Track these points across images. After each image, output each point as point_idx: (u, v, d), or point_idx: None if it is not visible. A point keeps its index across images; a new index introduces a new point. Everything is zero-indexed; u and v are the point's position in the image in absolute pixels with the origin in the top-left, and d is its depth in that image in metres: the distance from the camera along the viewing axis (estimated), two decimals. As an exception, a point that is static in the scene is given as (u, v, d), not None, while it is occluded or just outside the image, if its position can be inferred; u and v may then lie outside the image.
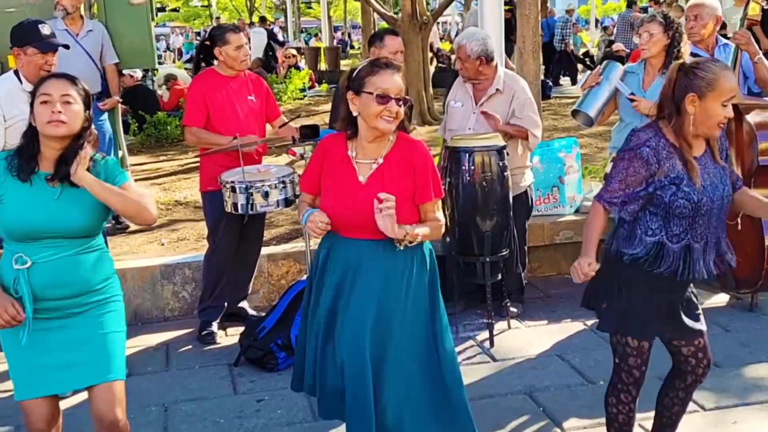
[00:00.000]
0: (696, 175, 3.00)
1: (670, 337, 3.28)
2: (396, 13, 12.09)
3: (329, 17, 28.87)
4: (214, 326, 5.21)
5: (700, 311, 3.31)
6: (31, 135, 3.06)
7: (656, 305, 3.16)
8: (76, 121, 3.00)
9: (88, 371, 3.10)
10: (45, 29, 4.27)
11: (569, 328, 5.14)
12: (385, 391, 3.16)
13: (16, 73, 4.32)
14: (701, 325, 3.29)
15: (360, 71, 3.14)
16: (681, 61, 3.20)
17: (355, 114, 3.12)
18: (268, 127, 5.35)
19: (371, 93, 3.03)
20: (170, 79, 13.64)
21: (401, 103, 3.07)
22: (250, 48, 5.21)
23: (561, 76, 18.98)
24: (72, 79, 3.10)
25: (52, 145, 3.02)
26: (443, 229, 3.32)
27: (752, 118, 5.14)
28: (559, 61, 18.73)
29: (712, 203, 3.04)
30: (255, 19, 29.11)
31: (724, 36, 5.70)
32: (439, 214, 3.26)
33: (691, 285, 3.26)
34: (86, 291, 3.09)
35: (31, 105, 3.04)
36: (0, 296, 2.98)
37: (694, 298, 3.30)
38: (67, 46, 4.42)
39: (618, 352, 3.27)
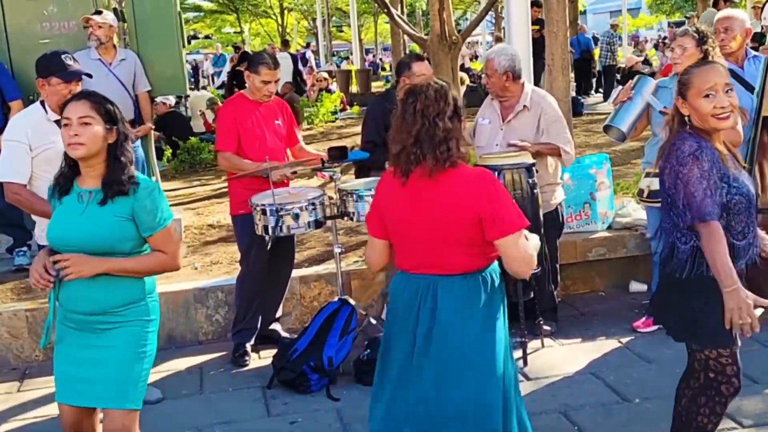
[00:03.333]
0: (732, 165, 3.08)
1: None
2: (426, 35, 12.12)
3: (360, 40, 29.02)
4: (248, 348, 5.23)
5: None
6: (67, 158, 3.15)
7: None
8: (95, 142, 3.04)
9: (100, 392, 3.17)
10: (68, 59, 4.31)
11: (604, 346, 5.10)
12: None
13: (42, 103, 4.39)
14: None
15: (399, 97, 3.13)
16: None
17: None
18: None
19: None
20: (214, 102, 13.82)
21: None
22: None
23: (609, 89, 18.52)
24: (93, 98, 3.14)
25: (82, 165, 3.11)
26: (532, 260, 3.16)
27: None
28: (606, 76, 18.58)
29: (752, 195, 3.13)
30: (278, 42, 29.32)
31: (755, 48, 5.65)
32: (521, 244, 3.07)
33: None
34: (103, 311, 3.15)
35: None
36: (39, 257, 3.18)
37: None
38: (90, 75, 4.45)
39: (712, 367, 3.25)
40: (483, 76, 5.36)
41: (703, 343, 3.24)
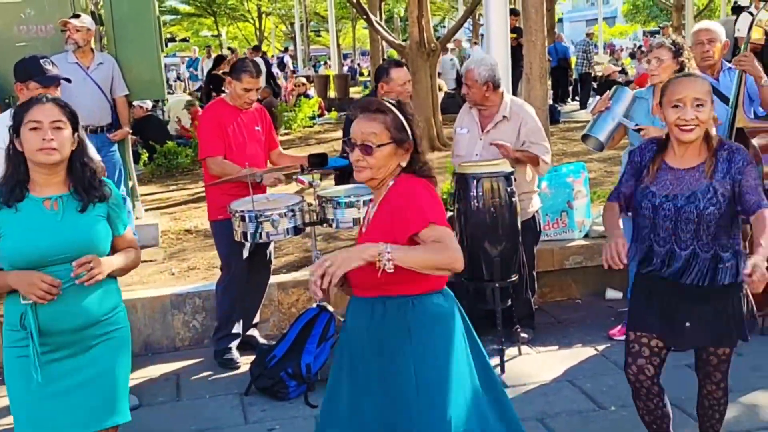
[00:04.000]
0: (651, 175, 3.24)
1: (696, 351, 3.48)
2: (404, 41, 12.17)
3: (338, 45, 29.05)
4: (234, 351, 5.23)
5: (723, 328, 3.36)
6: (18, 161, 2.97)
7: (653, 303, 3.33)
8: (66, 147, 2.94)
9: (97, 416, 3.05)
10: (47, 64, 4.31)
11: (580, 353, 5.13)
12: None
13: None
14: (717, 339, 3.39)
15: (347, 120, 3.04)
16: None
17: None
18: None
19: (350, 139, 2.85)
20: (191, 105, 13.77)
21: (366, 150, 2.76)
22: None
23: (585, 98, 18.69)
24: (58, 102, 3.05)
25: (42, 171, 2.96)
26: (451, 262, 2.75)
27: (758, 141, 5.15)
28: (583, 84, 18.78)
29: (679, 212, 3.17)
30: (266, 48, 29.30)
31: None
32: (437, 235, 2.73)
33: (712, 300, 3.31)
34: (95, 321, 3.02)
35: (15, 130, 2.96)
36: (26, 274, 2.87)
37: (717, 314, 3.32)
38: (68, 80, 4.45)
39: (631, 347, 3.40)
40: (463, 86, 5.35)
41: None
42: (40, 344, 2.90)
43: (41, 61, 4.33)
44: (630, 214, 3.42)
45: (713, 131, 3.40)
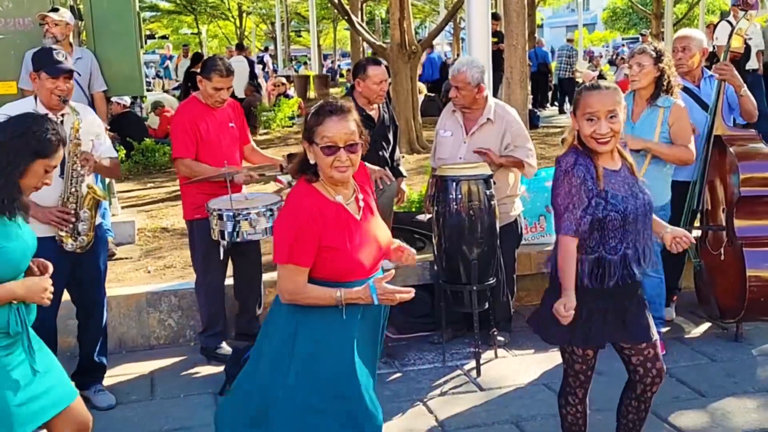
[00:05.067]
0: (602, 181, 3.22)
1: (617, 344, 3.44)
2: (385, 42, 12.18)
3: (319, 45, 29.05)
4: (225, 345, 5.26)
5: (649, 321, 3.42)
6: None
7: (597, 315, 3.32)
8: None
9: (60, 395, 3.16)
10: (59, 56, 4.32)
11: (556, 357, 5.10)
12: None
13: (35, 97, 4.39)
14: (650, 335, 3.40)
15: (308, 120, 3.02)
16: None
17: (312, 162, 3.01)
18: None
19: (319, 144, 2.92)
20: (158, 106, 13.68)
21: (353, 149, 2.94)
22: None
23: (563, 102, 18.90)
24: None
25: None
26: None
27: (735, 149, 5.20)
28: (564, 89, 18.84)
29: (636, 210, 3.24)
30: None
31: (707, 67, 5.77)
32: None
33: (639, 294, 3.43)
34: (33, 315, 3.12)
35: None
36: (33, 281, 2.99)
37: (644, 309, 3.44)
38: (73, 72, 4.44)
39: (566, 360, 3.48)
40: (450, 88, 5.32)
41: (553, 341, 3.58)
42: (6, 333, 2.95)
43: (54, 52, 4.34)
44: None
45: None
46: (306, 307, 2.99)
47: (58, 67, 4.27)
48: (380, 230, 3.17)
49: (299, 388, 2.98)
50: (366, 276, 3.01)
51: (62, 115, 4.28)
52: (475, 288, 4.90)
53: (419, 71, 14.26)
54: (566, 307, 3.16)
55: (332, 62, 39.77)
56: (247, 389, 3.17)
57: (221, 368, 5.00)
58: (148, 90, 17.76)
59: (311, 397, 2.99)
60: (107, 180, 7.34)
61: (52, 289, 2.99)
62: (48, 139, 2.98)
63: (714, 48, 10.18)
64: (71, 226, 4.20)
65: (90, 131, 4.44)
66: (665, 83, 4.91)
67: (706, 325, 5.60)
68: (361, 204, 3.10)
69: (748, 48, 9.59)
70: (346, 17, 12.62)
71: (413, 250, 3.20)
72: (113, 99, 9.29)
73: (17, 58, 6.86)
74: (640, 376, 3.43)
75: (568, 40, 22.40)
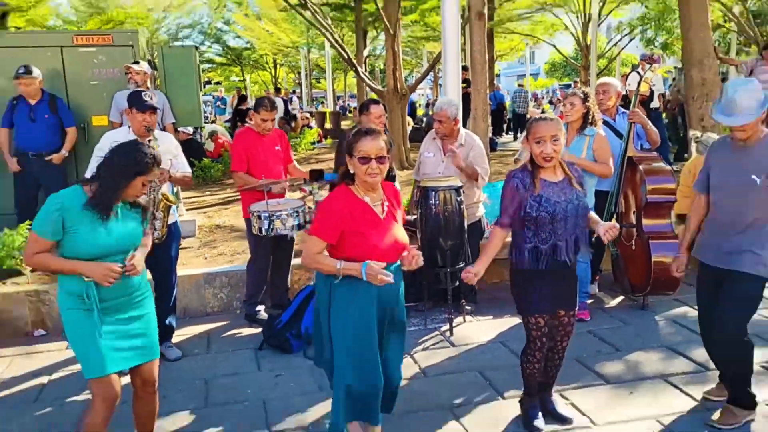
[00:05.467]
0: (537, 188, 3.24)
1: (552, 311, 3.46)
2: (383, 87, 12.16)
3: (333, 89, 28.92)
4: (262, 311, 5.25)
5: (576, 297, 3.51)
6: None
7: (545, 290, 3.35)
8: None
9: (142, 354, 3.14)
10: (146, 96, 4.34)
11: (510, 322, 5.14)
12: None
13: (129, 126, 4.43)
14: (574, 305, 3.49)
15: (350, 139, 3.05)
16: None
17: (351, 171, 3.06)
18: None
19: (357, 156, 2.97)
20: (213, 134, 13.65)
21: (380, 161, 2.97)
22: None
23: (517, 132, 18.77)
24: None
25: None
26: None
27: (643, 166, 5.21)
28: (518, 121, 18.79)
29: (566, 212, 3.24)
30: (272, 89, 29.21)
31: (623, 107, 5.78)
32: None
33: (572, 276, 3.45)
34: (134, 290, 3.11)
35: None
36: (99, 265, 2.93)
37: (572, 284, 3.47)
38: (157, 108, 4.44)
39: (526, 328, 3.47)
40: (434, 121, 5.32)
41: (519, 311, 3.54)
42: (98, 305, 2.98)
43: (143, 94, 4.35)
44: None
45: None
46: (336, 279, 3.04)
47: (145, 105, 4.29)
48: (399, 232, 3.15)
49: (333, 333, 3.10)
50: (384, 262, 3.00)
51: (148, 141, 4.28)
52: (448, 270, 4.91)
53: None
54: (475, 271, 3.31)
55: (343, 102, 39.68)
56: (316, 333, 3.30)
57: (259, 330, 5.01)
58: (205, 122, 17.75)
59: (339, 341, 3.08)
60: (176, 189, 7.35)
61: (115, 275, 2.92)
62: (146, 162, 2.98)
63: (626, 91, 10.23)
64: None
65: (168, 152, 4.43)
66: (590, 117, 4.93)
67: (620, 298, 5.62)
68: (386, 209, 3.12)
69: (652, 91, 9.65)
70: (353, 68, 12.60)
71: (420, 255, 3.15)
72: (180, 129, 9.29)
73: (108, 99, 6.88)
74: (555, 333, 3.51)
75: (519, 85, 22.39)
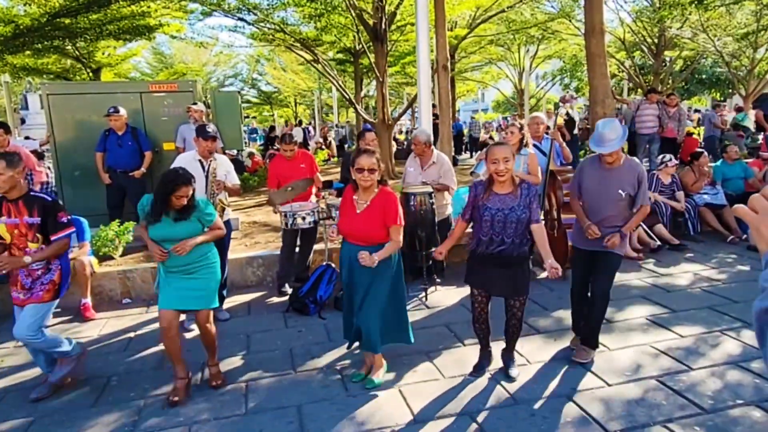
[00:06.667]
0: (485, 198, 3.18)
1: (500, 292, 3.33)
2: (374, 118, 12.15)
3: (339, 121, 28.82)
4: (287, 287, 5.22)
5: (516, 285, 3.27)
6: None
7: (480, 271, 3.30)
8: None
9: (197, 301, 3.25)
10: (209, 128, 4.35)
11: (468, 290, 5.15)
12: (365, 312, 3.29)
13: (196, 150, 4.42)
14: (510, 291, 3.29)
15: (354, 156, 3.21)
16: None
17: (354, 177, 3.18)
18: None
19: (355, 167, 3.13)
20: (250, 155, 13.58)
21: (371, 172, 3.13)
22: (296, 143, 5.26)
23: (472, 152, 18.85)
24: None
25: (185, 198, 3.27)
26: (399, 245, 3.25)
27: (560, 176, 5.25)
28: (473, 144, 18.79)
29: (506, 217, 3.15)
30: (294, 122, 29.05)
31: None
32: (396, 236, 3.21)
33: (513, 266, 3.23)
34: (192, 261, 3.22)
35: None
36: (155, 246, 3.15)
37: (517, 276, 3.25)
38: (217, 137, 4.43)
39: (472, 298, 3.43)
40: (412, 144, 5.33)
41: (467, 282, 3.41)
42: (166, 270, 3.23)
43: (206, 126, 4.37)
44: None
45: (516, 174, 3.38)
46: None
47: (209, 135, 4.29)
48: (368, 225, 3.18)
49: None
50: (350, 242, 3.26)
51: (209, 161, 4.29)
52: (424, 253, 4.93)
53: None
54: (439, 251, 3.29)
55: (344, 130, 39.48)
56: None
57: (285, 298, 5.01)
58: (245, 146, 17.67)
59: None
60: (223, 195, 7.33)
61: (159, 254, 3.12)
62: (175, 184, 3.11)
63: (554, 124, 10.28)
64: None
65: (223, 167, 4.43)
66: (524, 141, 4.95)
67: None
68: (366, 205, 3.19)
69: (573, 121, 9.64)
70: (353, 106, 12.59)
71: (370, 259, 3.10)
72: (227, 151, 9.28)
73: (174, 131, 6.85)
74: (506, 312, 3.40)
75: (473, 118, 22.44)
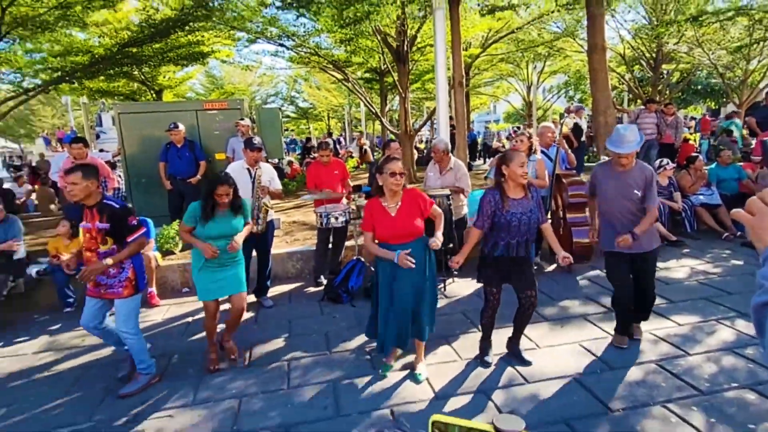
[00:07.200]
0: (506, 205, 3.07)
1: (515, 288, 3.25)
2: (398, 130, 12.13)
3: (366, 132, 28.90)
4: (323, 278, 5.22)
5: (531, 278, 3.18)
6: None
7: (498, 271, 3.19)
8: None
9: (231, 288, 3.37)
10: (255, 140, 4.42)
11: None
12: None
13: (244, 160, 4.48)
14: (528, 285, 3.19)
15: (381, 163, 3.10)
16: (501, 153, 3.26)
17: (380, 184, 3.07)
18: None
19: (386, 173, 3.01)
20: (290, 163, 13.71)
21: (401, 175, 3.03)
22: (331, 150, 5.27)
23: (485, 158, 18.54)
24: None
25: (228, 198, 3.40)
26: (442, 216, 3.17)
27: (565, 179, 5.16)
28: (486, 151, 18.52)
29: (519, 222, 3.07)
30: (326, 133, 29.24)
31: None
32: (437, 211, 3.15)
33: (525, 263, 3.15)
34: (234, 255, 3.37)
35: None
36: (205, 245, 3.26)
37: (527, 271, 3.17)
38: (263, 149, 4.48)
39: (485, 294, 3.30)
40: (426, 151, 5.32)
41: (480, 281, 3.28)
42: (206, 264, 3.33)
43: (253, 139, 4.44)
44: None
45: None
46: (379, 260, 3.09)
47: (255, 146, 4.35)
48: (408, 223, 3.05)
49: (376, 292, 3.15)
50: (393, 243, 3.02)
51: (256, 169, 4.35)
52: (443, 248, 4.86)
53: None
54: (457, 260, 3.06)
55: (371, 141, 39.48)
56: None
57: (321, 288, 5.04)
58: (285, 155, 17.90)
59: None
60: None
61: (212, 253, 3.20)
62: (214, 185, 3.27)
63: (560, 133, 10.05)
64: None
65: (267, 174, 4.49)
66: (533, 149, 4.87)
67: (554, 265, 5.55)
68: (398, 207, 3.06)
69: (581, 129, 9.38)
70: (379, 119, 12.61)
71: (436, 241, 3.02)
72: (269, 159, 9.41)
73: (224, 143, 6.97)
74: (523, 303, 3.25)
75: (487, 128, 22.18)
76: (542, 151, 5.22)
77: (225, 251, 3.32)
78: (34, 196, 10.61)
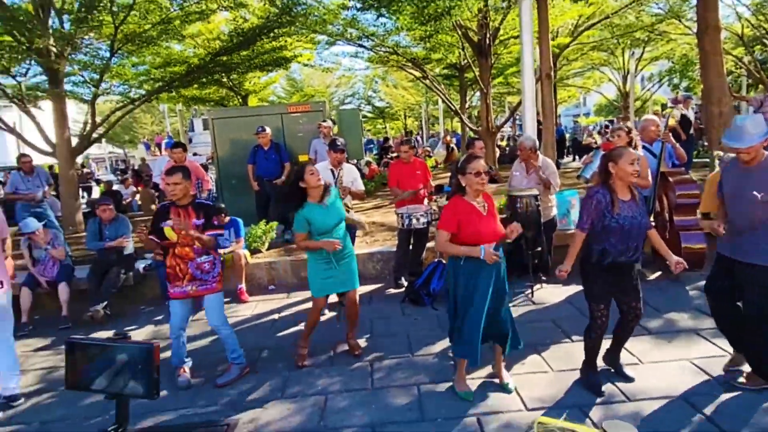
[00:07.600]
0: (616, 208, 2.87)
1: (617, 299, 3.04)
2: (478, 127, 11.90)
3: (445, 130, 28.73)
4: (403, 279, 5.25)
5: (638, 287, 2.99)
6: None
7: (607, 283, 2.96)
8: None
9: (345, 285, 3.53)
10: (338, 142, 4.61)
11: (573, 288, 4.85)
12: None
13: (328, 161, 4.68)
14: (636, 295, 2.99)
15: (463, 162, 3.00)
16: (605, 152, 3.04)
17: (463, 184, 2.98)
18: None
19: (471, 173, 2.93)
20: (369, 163, 13.99)
21: (486, 174, 2.94)
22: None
23: (575, 156, 17.56)
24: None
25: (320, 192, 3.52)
26: None
27: (672, 178, 4.75)
28: (576, 147, 17.63)
29: (631, 225, 2.87)
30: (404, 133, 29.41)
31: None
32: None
33: (633, 271, 2.96)
34: (348, 248, 3.56)
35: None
36: (329, 241, 3.39)
37: (634, 279, 2.97)
38: (345, 150, 4.64)
39: (591, 311, 3.04)
40: (518, 150, 5.14)
41: (587, 298, 3.06)
42: (326, 259, 3.47)
43: (337, 140, 4.64)
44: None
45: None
46: (456, 259, 2.95)
47: (338, 148, 4.53)
48: (497, 223, 2.99)
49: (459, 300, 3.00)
50: (485, 243, 2.90)
51: (339, 170, 4.51)
52: (530, 252, 4.73)
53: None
54: (565, 269, 2.88)
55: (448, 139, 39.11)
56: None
57: (401, 290, 5.08)
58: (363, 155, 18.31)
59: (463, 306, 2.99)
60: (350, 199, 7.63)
61: (338, 246, 3.39)
62: (296, 176, 3.44)
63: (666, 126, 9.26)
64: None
65: (350, 175, 4.63)
66: (633, 144, 4.54)
67: (658, 273, 5.12)
68: (486, 207, 2.99)
69: (690, 121, 8.55)
70: (458, 116, 12.47)
71: (518, 227, 2.92)
72: (349, 160, 9.67)
73: (308, 144, 7.26)
74: (627, 314, 3.05)
75: (575, 122, 21.03)
76: (645, 147, 4.85)
77: (347, 244, 3.56)
78: (137, 197, 11.86)
